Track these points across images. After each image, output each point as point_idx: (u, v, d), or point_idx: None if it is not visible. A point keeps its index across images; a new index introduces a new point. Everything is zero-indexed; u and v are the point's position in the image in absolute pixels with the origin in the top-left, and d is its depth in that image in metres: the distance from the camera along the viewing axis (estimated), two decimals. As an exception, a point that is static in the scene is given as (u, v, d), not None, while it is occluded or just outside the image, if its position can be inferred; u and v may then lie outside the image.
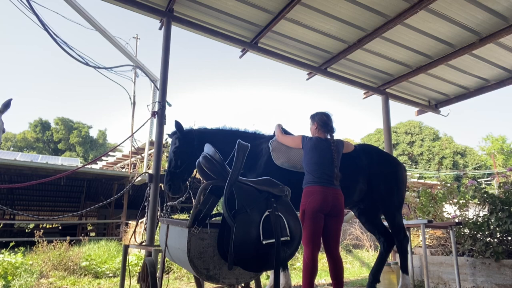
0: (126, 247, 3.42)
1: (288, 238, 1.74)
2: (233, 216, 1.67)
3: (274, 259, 1.69)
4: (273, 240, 1.68)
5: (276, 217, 1.74)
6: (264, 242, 1.67)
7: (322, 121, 3.17)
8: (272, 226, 1.70)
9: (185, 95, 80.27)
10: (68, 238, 7.05)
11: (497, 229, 4.19)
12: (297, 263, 7.48)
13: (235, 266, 1.72)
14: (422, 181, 16.40)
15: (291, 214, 1.81)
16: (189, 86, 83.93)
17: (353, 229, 9.95)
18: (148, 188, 3.94)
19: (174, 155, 3.48)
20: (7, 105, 2.84)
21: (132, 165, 15.21)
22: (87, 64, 4.70)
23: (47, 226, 17.33)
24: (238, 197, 1.73)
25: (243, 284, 2.21)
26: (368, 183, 3.61)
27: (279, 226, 1.72)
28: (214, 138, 3.41)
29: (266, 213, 1.73)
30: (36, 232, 7.15)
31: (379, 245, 3.90)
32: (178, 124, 3.50)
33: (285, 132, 3.59)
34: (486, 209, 4.48)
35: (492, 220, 4.21)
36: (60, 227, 16.44)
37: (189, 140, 3.48)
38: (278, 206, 1.78)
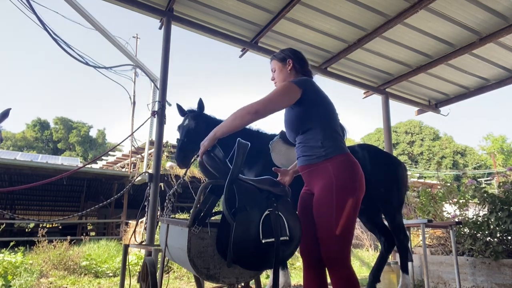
0: (126, 247, 3.42)
1: (287, 238, 1.74)
2: (233, 214, 1.67)
3: (273, 258, 1.69)
4: (273, 240, 1.68)
5: (276, 217, 1.74)
6: (263, 241, 1.67)
7: (300, 58, 2.21)
8: (272, 226, 1.70)
9: (185, 95, 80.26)
10: (68, 237, 7.05)
11: (497, 228, 4.19)
12: (297, 262, 7.48)
13: (235, 265, 1.71)
14: (422, 180, 16.40)
15: (291, 214, 1.81)
16: (189, 85, 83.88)
17: (353, 228, 9.95)
18: (148, 187, 3.94)
19: (194, 131, 3.39)
20: (5, 114, 2.80)
21: (132, 165, 15.22)
22: (87, 63, 4.69)
23: (47, 226, 17.33)
24: (239, 195, 1.72)
25: (243, 284, 2.21)
26: (368, 182, 3.60)
27: (279, 226, 1.72)
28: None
29: (266, 212, 1.73)
30: (40, 231, 7.14)
31: (379, 245, 3.90)
32: (201, 103, 3.45)
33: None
34: (486, 209, 4.48)
35: (492, 220, 4.21)
36: (60, 227, 16.44)
37: (205, 124, 3.41)
38: (279, 205, 1.78)
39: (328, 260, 1.82)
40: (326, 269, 1.87)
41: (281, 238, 1.71)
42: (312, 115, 1.96)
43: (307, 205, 1.96)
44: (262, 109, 1.83)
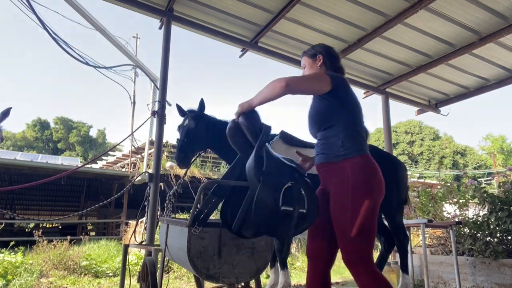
0: (126, 247, 3.42)
1: (305, 211, 1.75)
2: (259, 178, 1.70)
3: (286, 228, 1.71)
4: (291, 209, 1.70)
5: (298, 190, 1.76)
6: (282, 208, 1.69)
7: (331, 54, 2.18)
8: (293, 196, 1.73)
9: (185, 95, 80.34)
10: (68, 237, 7.05)
11: (497, 228, 4.20)
12: (297, 262, 7.48)
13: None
14: (422, 180, 16.39)
15: (310, 192, 1.82)
16: (189, 85, 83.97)
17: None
18: (148, 187, 3.94)
19: (194, 131, 3.37)
20: (5, 113, 2.79)
21: (132, 165, 15.22)
22: (87, 63, 4.70)
23: (47, 226, 17.35)
24: (267, 162, 1.75)
25: (243, 284, 2.21)
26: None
27: (298, 198, 1.74)
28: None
29: (289, 184, 1.74)
30: (36, 232, 7.16)
31: (379, 245, 3.90)
32: (202, 103, 3.40)
33: (290, 137, 3.54)
34: (486, 209, 4.48)
35: (492, 220, 4.21)
36: (60, 227, 16.44)
37: (205, 124, 3.38)
38: (301, 182, 1.80)
39: (346, 261, 1.78)
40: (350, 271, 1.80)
41: (300, 210, 1.72)
42: (338, 112, 1.93)
43: (321, 204, 1.90)
44: (292, 84, 1.81)
